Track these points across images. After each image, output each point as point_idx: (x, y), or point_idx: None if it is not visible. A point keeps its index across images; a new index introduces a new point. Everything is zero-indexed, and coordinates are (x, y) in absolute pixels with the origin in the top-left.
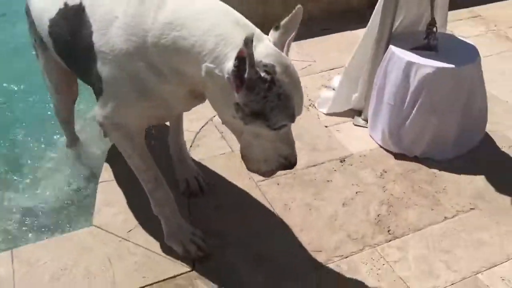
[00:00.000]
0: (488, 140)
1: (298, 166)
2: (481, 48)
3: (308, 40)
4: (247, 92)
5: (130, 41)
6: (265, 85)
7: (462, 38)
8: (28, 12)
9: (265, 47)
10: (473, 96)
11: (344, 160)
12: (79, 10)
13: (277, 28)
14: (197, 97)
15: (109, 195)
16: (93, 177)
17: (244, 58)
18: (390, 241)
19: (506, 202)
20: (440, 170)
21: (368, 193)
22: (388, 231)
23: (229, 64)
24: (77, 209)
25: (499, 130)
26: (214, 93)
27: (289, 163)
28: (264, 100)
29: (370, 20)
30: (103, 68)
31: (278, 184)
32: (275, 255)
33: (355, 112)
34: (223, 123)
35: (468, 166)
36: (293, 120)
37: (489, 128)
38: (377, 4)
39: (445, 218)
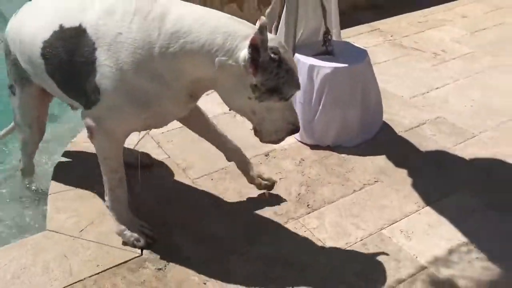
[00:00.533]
0: (387, 128)
1: (229, 163)
2: (380, 55)
3: None
4: (263, 73)
5: (136, 53)
6: (275, 64)
7: (354, 44)
8: (8, 51)
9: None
10: (368, 91)
11: (268, 154)
12: (79, 31)
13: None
14: (193, 98)
15: (59, 204)
16: (42, 194)
17: (255, 45)
18: (309, 213)
19: (403, 174)
20: (348, 154)
21: (289, 178)
22: (307, 205)
23: (243, 53)
24: (30, 223)
25: (396, 119)
26: (227, 83)
27: (296, 127)
28: (277, 76)
29: (277, 34)
30: (103, 81)
31: (212, 179)
32: (215, 234)
33: None
34: (232, 108)
35: (372, 149)
36: (299, 88)
37: (388, 117)
38: (281, 21)
39: (354, 191)
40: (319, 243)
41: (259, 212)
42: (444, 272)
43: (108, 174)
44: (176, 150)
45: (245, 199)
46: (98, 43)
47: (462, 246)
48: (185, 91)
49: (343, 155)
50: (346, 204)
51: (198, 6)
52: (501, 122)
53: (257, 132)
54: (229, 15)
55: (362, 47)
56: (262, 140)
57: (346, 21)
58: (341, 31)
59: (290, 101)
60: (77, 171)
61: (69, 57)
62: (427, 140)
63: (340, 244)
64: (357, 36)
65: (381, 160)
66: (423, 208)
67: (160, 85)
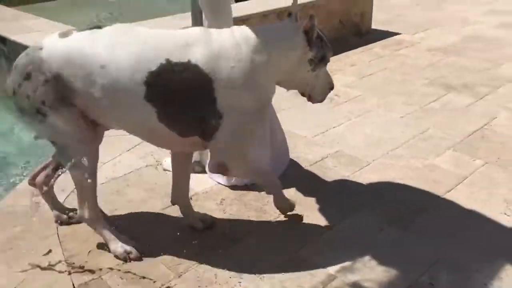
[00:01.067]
0: (295, 164)
1: (155, 209)
2: (285, 102)
3: None
4: (315, 47)
5: (247, 77)
6: (319, 39)
7: None
8: (39, 69)
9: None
10: (274, 133)
11: (191, 198)
12: (189, 66)
13: (289, 15)
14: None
15: None
16: None
17: (308, 29)
18: (232, 245)
19: (311, 202)
20: (263, 190)
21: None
22: (230, 238)
23: (299, 39)
24: None
25: (302, 156)
26: (293, 68)
27: (332, 86)
28: (322, 47)
29: None
30: (224, 106)
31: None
32: (145, 273)
33: (194, 163)
34: (294, 87)
35: (283, 182)
36: (331, 51)
37: (295, 155)
38: None
39: (270, 221)
40: (242, 270)
41: (186, 249)
42: (351, 278)
43: (268, 181)
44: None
45: (173, 241)
46: (214, 77)
47: (364, 256)
48: (271, 95)
49: (259, 191)
50: (264, 233)
51: (256, 26)
52: (389, 150)
53: (310, 98)
54: (273, 23)
55: None
56: (313, 102)
57: None
58: None
59: (327, 69)
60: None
61: (182, 88)
62: (330, 171)
63: (261, 268)
64: None
65: (292, 192)
66: (330, 228)
67: (264, 94)
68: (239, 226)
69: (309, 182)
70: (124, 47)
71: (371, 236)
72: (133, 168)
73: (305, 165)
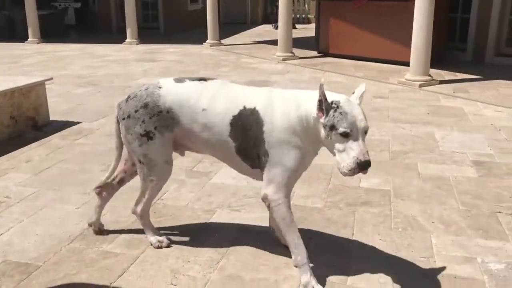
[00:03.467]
0: None
1: None
2: None
3: None
4: (326, 115)
5: (289, 127)
6: (333, 109)
7: None
8: (155, 107)
9: (338, 97)
10: None
11: None
12: (254, 111)
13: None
14: (315, 153)
15: None
16: None
17: (321, 100)
18: None
19: None
20: None
21: None
22: None
23: (315, 108)
24: None
25: None
26: (318, 131)
27: (359, 160)
28: (333, 116)
29: None
30: (270, 147)
31: None
32: None
33: None
34: (325, 145)
35: None
36: (349, 127)
37: None
38: None
39: None
40: None
41: None
42: None
43: (291, 229)
44: None
45: None
46: (265, 121)
47: None
48: (313, 148)
49: None
50: None
51: (295, 91)
52: (61, 247)
53: (337, 163)
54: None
55: None
56: (340, 171)
57: None
58: None
59: (357, 143)
60: None
61: (248, 127)
62: None
63: None
64: None
65: None
66: None
67: (300, 140)
68: None
69: None
70: (220, 97)
71: None
72: None
73: None
